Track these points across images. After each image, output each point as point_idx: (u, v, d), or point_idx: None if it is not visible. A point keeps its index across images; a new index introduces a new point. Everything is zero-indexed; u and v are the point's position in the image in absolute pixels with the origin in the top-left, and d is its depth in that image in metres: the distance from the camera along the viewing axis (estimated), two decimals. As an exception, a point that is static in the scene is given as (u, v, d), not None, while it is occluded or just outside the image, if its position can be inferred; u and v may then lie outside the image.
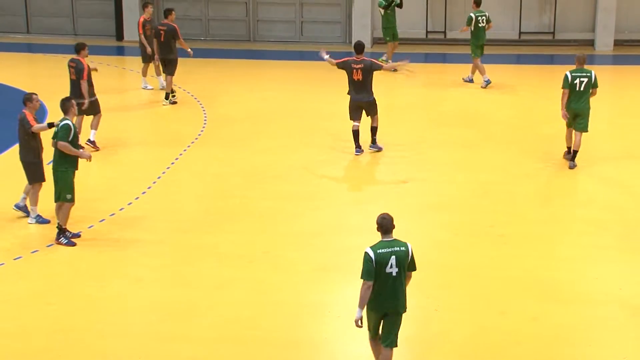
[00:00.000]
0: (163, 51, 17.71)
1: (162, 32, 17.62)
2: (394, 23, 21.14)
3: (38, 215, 11.81)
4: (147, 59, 18.61)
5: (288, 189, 13.32)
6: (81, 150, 11.33)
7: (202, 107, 17.83)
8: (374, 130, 14.82)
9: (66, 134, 11.00)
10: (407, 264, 7.94)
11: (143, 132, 16.44)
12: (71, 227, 11.47)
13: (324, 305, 9.67)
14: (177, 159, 14.67)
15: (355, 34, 24.06)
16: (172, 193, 13.13)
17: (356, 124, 14.70)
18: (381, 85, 19.94)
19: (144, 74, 19.08)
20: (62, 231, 11.14)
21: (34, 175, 11.81)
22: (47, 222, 11.71)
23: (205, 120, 16.95)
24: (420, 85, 19.98)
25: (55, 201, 11.19)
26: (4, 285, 10.22)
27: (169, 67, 17.80)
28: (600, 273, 10.51)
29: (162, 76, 18.54)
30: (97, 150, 14.69)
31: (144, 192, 13.06)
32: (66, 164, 11.11)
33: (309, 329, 9.22)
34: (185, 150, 15.13)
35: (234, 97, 18.60)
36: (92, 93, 14.71)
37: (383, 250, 7.84)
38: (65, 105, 11.33)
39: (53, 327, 9.27)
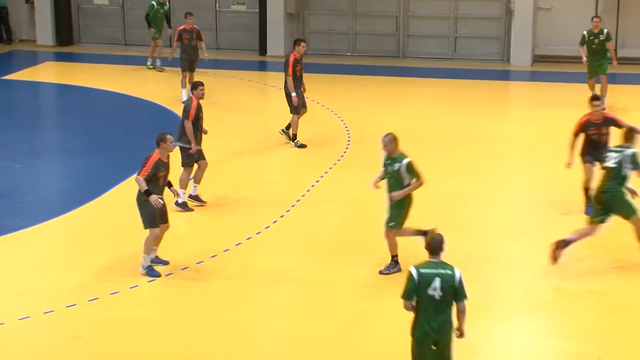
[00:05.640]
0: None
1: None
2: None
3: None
4: (186, 67, 19.29)
5: (432, 216, 13.13)
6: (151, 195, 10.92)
7: (346, 127, 17.93)
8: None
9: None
10: (454, 291, 7.83)
11: (282, 151, 16.65)
12: (203, 251, 11.76)
13: (474, 344, 9.45)
14: (317, 181, 14.78)
15: (514, 50, 23.70)
16: (310, 218, 13.22)
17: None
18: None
19: (184, 84, 19.26)
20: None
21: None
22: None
23: (348, 140, 17.04)
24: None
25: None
26: (137, 309, 10.57)
27: (289, 105, 16.43)
28: None
29: (185, 90, 18.89)
30: (204, 204, 13.51)
31: (282, 216, 13.21)
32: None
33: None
34: (326, 172, 15.23)
35: (380, 117, 18.59)
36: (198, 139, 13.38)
37: (427, 270, 7.88)
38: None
39: (182, 354, 9.48)
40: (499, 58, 24.26)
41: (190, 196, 13.48)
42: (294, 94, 16.14)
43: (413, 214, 13.29)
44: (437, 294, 7.81)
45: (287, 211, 13.42)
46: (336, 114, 18.85)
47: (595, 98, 13.15)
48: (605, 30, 18.83)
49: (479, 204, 13.73)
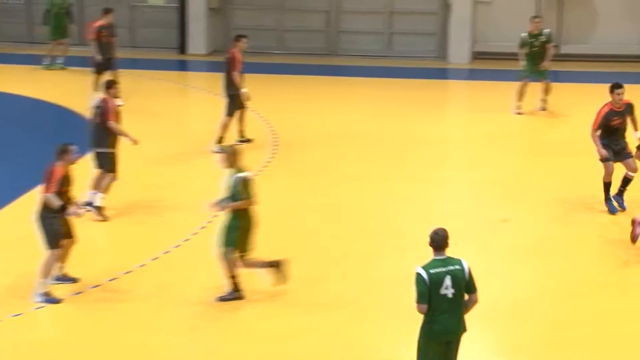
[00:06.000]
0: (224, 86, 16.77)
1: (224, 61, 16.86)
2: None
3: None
4: (102, 68, 19.05)
5: (368, 225, 13.24)
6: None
7: (273, 130, 17.93)
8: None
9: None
10: (465, 285, 8.01)
11: (204, 157, 16.56)
12: (116, 267, 11.68)
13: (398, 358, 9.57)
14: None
15: (452, 47, 23.99)
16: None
17: None
18: (484, 110, 19.72)
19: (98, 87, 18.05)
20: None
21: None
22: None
23: (275, 146, 17.05)
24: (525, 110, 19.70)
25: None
26: (43, 332, 10.46)
27: (226, 106, 16.64)
28: None
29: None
30: (105, 220, 13.35)
31: (202, 227, 13.14)
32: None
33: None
34: (251, 179, 15.19)
35: (310, 119, 18.66)
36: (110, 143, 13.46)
37: (436, 269, 7.98)
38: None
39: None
40: (436, 55, 24.53)
41: (89, 204, 13.17)
42: (244, 90, 16.33)
43: (344, 219, 13.39)
44: (449, 292, 7.95)
45: (208, 222, 13.35)
46: (262, 117, 18.83)
47: (617, 86, 13.22)
48: (547, 31, 18.99)
49: (414, 210, 13.83)
